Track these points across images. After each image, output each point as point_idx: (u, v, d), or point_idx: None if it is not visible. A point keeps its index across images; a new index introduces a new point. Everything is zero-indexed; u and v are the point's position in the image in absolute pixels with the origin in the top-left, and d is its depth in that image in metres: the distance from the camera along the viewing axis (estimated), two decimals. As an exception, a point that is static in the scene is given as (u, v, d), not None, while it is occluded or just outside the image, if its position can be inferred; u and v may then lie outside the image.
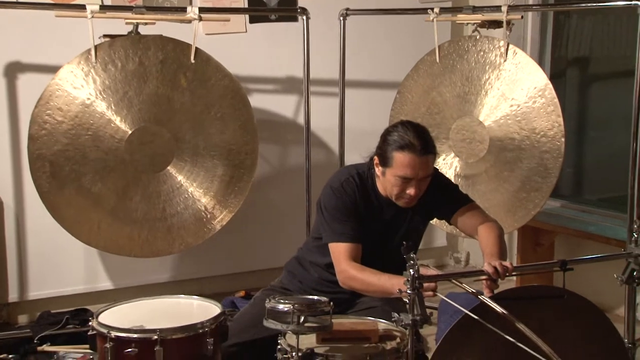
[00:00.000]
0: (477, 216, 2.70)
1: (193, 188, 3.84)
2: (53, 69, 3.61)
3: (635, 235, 2.44)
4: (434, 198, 2.70)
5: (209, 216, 3.87)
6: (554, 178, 3.73)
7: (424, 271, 2.23)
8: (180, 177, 3.81)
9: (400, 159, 2.52)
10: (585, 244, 4.24)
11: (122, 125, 3.64)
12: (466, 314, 2.08)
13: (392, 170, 2.55)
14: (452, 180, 4.04)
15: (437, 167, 4.09)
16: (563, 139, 3.66)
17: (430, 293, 2.21)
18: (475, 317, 2.04)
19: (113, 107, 3.61)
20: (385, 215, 2.70)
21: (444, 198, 2.74)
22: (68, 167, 3.57)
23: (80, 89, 3.56)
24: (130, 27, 3.61)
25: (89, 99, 3.57)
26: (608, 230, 4.07)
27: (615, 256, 2.54)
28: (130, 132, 3.65)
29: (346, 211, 2.63)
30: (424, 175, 2.55)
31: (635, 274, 2.43)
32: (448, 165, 4.18)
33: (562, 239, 4.45)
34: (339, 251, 2.60)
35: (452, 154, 4.16)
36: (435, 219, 2.91)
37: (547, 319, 2.20)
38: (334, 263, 2.62)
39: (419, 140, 2.52)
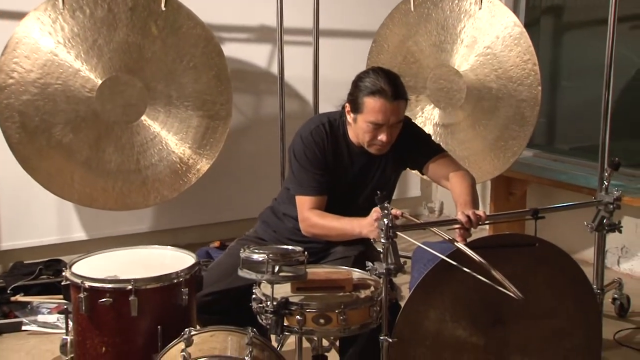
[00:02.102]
0: (449, 165, 2.71)
1: (167, 139, 3.80)
2: (19, 16, 3.51)
3: (606, 183, 2.47)
4: (406, 147, 2.70)
5: (184, 168, 3.85)
6: (531, 126, 3.75)
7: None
8: (153, 128, 3.77)
9: (372, 104, 2.51)
10: (557, 193, 4.29)
11: (92, 74, 3.57)
12: (441, 260, 2.11)
13: (364, 116, 2.54)
14: (432, 132, 4.06)
15: (416, 116, 4.12)
16: (540, 88, 3.67)
17: None
18: (453, 262, 2.07)
19: (82, 55, 3.54)
20: (356, 164, 2.70)
21: (417, 147, 2.74)
22: (38, 118, 3.51)
23: (48, 36, 3.48)
24: (98, -27, 3.52)
25: (57, 47, 3.50)
26: (579, 179, 4.12)
27: (585, 204, 2.58)
28: (101, 81, 3.59)
29: (315, 161, 2.63)
30: (395, 120, 2.55)
31: (605, 221, 2.47)
32: (426, 114, 4.18)
33: (535, 188, 4.51)
34: (303, 203, 2.64)
35: (430, 104, 4.15)
36: (407, 169, 2.92)
37: (518, 266, 2.23)
38: (298, 213, 2.65)
39: (390, 85, 2.51)
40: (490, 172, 3.98)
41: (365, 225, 2.44)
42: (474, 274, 2.03)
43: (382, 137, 2.55)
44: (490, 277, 2.03)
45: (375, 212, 2.38)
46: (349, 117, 2.62)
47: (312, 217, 2.62)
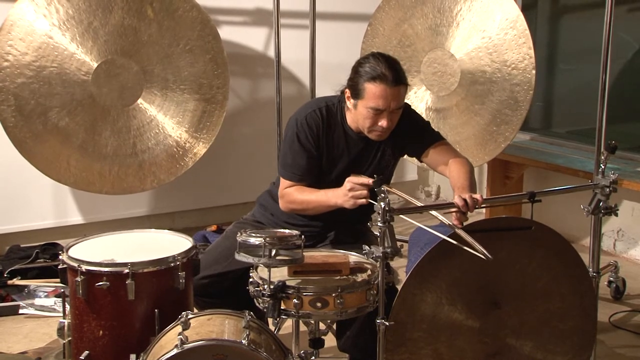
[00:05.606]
0: (447, 153, 2.70)
1: (164, 123, 3.79)
2: (14, -1, 3.49)
3: (602, 167, 2.46)
4: (405, 134, 2.69)
5: (181, 152, 3.84)
6: (524, 111, 3.74)
7: (355, 178, 2.40)
8: (150, 112, 3.76)
9: (372, 89, 2.50)
10: (554, 177, 4.29)
11: (88, 57, 3.56)
12: (437, 244, 2.11)
13: (364, 101, 2.53)
14: (424, 116, 4.05)
15: (409, 100, 4.10)
16: (534, 72, 3.66)
17: (363, 201, 2.36)
18: (454, 241, 2.07)
19: (78, 38, 3.52)
20: (353, 150, 2.69)
21: (416, 134, 2.73)
22: (33, 101, 3.50)
23: (43, 18, 3.45)
24: (93, -45, 3.49)
25: (52, 29, 3.48)
26: (576, 163, 4.12)
27: (581, 187, 2.57)
28: (96, 64, 3.57)
29: (306, 146, 2.62)
30: (395, 106, 2.54)
31: (601, 204, 2.47)
32: (419, 98, 4.17)
33: (531, 172, 4.51)
34: (284, 182, 2.67)
35: (424, 88, 4.14)
36: (405, 156, 2.91)
37: (515, 250, 2.24)
38: (278, 190, 2.67)
39: (391, 70, 2.50)
40: (481, 157, 3.97)
41: (339, 196, 2.46)
42: (474, 252, 2.03)
43: (382, 122, 2.54)
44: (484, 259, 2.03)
45: (349, 181, 2.41)
46: (349, 103, 2.61)
47: (290, 192, 2.65)
